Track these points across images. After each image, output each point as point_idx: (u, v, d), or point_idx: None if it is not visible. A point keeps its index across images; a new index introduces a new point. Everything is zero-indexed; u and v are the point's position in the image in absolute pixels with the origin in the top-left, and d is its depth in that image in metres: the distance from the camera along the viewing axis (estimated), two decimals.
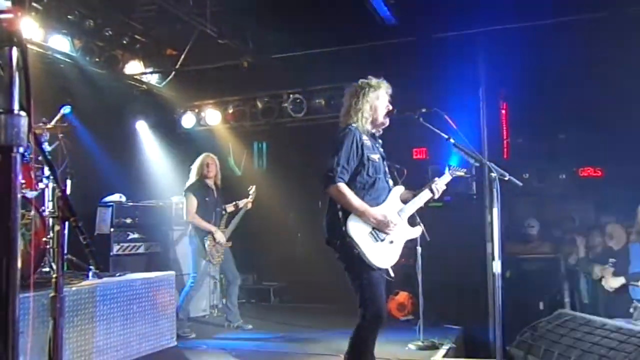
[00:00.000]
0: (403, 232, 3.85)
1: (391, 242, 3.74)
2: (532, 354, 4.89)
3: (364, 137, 3.84)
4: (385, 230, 3.68)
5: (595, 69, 7.06)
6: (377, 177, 3.83)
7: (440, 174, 4.21)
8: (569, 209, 8.11)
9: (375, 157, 3.85)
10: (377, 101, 3.95)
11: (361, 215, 3.64)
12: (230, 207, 6.95)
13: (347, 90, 4.08)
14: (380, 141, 4.08)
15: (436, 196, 4.04)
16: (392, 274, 3.76)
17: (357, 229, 3.62)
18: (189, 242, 6.78)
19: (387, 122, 4.01)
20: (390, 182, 4.00)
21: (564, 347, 4.57)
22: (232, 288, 6.96)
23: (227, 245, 6.77)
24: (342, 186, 3.65)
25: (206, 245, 6.52)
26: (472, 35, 7.07)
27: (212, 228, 6.58)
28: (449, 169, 4.24)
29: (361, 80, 4.05)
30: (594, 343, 4.36)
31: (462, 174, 4.36)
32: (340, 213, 3.67)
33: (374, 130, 4.02)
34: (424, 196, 3.99)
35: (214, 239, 6.57)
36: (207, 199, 6.70)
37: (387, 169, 4.01)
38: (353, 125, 3.85)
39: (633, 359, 3.90)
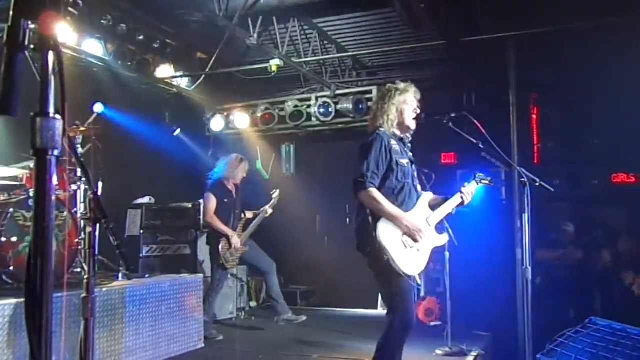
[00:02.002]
0: (430, 240, 3.82)
1: (419, 249, 3.70)
2: None
3: (393, 142, 3.81)
4: (416, 237, 3.65)
5: (630, 72, 6.92)
6: (406, 182, 3.80)
7: (469, 179, 4.20)
8: (601, 216, 7.96)
9: (404, 161, 3.82)
10: (404, 105, 3.92)
11: (393, 220, 3.62)
12: (250, 214, 6.86)
13: (375, 94, 4.10)
14: (409, 145, 4.05)
15: (467, 201, 4.00)
16: (419, 282, 3.73)
17: (387, 235, 3.60)
18: (207, 243, 6.77)
19: (413, 126, 3.98)
20: (419, 188, 3.97)
21: (595, 355, 4.48)
22: (270, 278, 6.78)
23: (243, 250, 6.67)
24: (374, 191, 3.63)
25: (220, 249, 6.46)
26: (503, 39, 6.99)
27: (229, 232, 6.50)
28: (476, 177, 4.22)
29: (389, 84, 4.03)
30: (626, 351, 4.27)
31: (488, 182, 4.34)
32: (370, 218, 3.65)
33: (402, 135, 3.99)
34: (455, 201, 3.96)
35: (229, 243, 6.50)
36: (225, 200, 6.65)
37: (415, 173, 3.98)
38: (381, 129, 3.84)
39: None
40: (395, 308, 3.64)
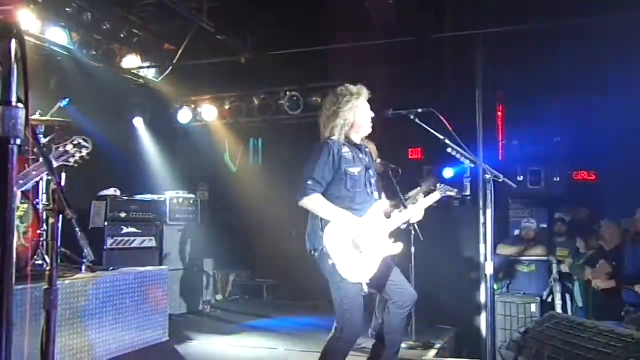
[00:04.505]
0: (383, 247, 3.71)
1: (370, 255, 3.59)
2: (522, 356, 4.91)
3: (344, 150, 3.69)
4: (358, 241, 3.56)
5: (592, 72, 7.09)
6: (357, 191, 3.68)
7: (437, 174, 4.27)
8: (562, 212, 8.14)
9: (356, 170, 3.69)
10: (357, 109, 3.76)
11: (338, 221, 3.53)
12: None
13: (326, 99, 3.91)
14: (367, 150, 3.93)
15: (414, 220, 4.03)
16: (365, 290, 3.57)
17: (333, 240, 3.52)
18: None
19: (369, 130, 3.86)
20: (375, 195, 3.83)
21: (554, 349, 4.58)
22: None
23: None
24: (315, 196, 3.56)
25: None
26: (470, 37, 7.08)
27: None
28: (440, 188, 4.26)
29: (339, 88, 3.81)
30: (584, 345, 4.38)
31: (453, 194, 4.39)
32: (320, 223, 3.59)
33: (358, 141, 3.85)
34: (403, 217, 3.93)
35: None
36: None
37: (371, 180, 3.83)
38: (332, 138, 3.71)
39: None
40: (341, 315, 3.58)
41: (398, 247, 3.81)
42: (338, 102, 3.75)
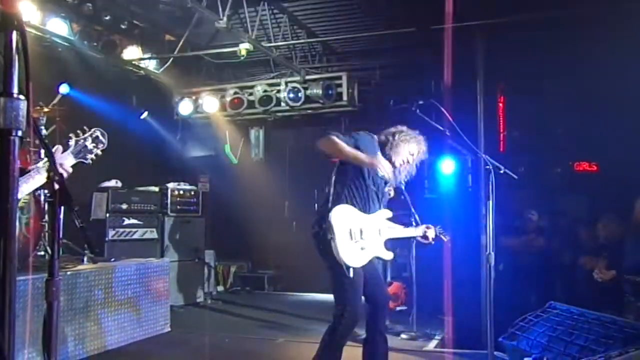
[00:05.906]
0: (376, 247, 3.83)
1: (362, 247, 3.70)
2: (522, 345, 4.93)
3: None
4: (377, 166, 3.67)
5: (593, 63, 7.07)
6: (373, 190, 3.83)
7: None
8: (563, 203, 8.14)
9: (380, 172, 3.81)
10: (410, 155, 4.04)
11: (354, 159, 3.65)
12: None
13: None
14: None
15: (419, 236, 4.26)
16: (350, 275, 3.62)
17: (338, 220, 3.61)
18: None
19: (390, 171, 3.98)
20: (381, 205, 3.97)
21: (553, 338, 4.61)
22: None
23: None
24: (333, 137, 3.65)
25: None
26: (471, 28, 7.05)
27: None
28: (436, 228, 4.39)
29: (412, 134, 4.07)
30: (582, 334, 4.40)
31: (444, 237, 4.51)
32: (330, 199, 3.69)
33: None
34: (410, 232, 4.16)
35: None
36: None
37: (385, 194, 3.98)
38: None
39: (617, 349, 3.94)
40: (342, 297, 3.66)
41: (389, 255, 3.97)
42: (405, 135, 4.02)
